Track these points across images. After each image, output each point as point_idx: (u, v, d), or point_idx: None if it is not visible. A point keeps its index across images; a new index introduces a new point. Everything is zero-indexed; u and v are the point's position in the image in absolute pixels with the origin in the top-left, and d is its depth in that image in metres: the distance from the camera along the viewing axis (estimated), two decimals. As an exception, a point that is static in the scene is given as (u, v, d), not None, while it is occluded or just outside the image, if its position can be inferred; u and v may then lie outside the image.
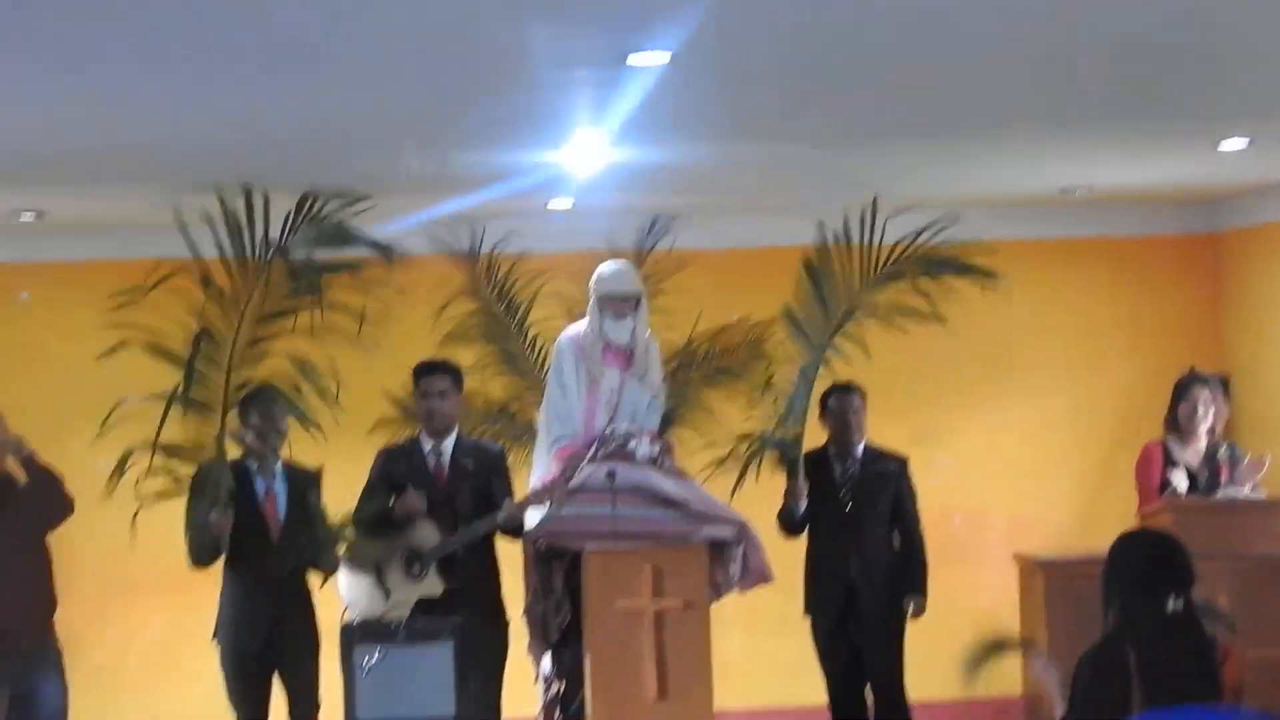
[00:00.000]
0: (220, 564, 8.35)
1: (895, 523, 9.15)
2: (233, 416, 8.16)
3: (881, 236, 8.57)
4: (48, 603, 8.24)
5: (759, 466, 8.83)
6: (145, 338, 7.98)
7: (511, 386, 9.99)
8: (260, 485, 8.37)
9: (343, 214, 8.02)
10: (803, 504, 9.02)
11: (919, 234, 8.53)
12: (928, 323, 8.65)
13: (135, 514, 7.77)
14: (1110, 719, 5.48)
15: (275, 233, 8.01)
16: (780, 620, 9.63)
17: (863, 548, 9.06)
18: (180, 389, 7.96)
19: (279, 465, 8.41)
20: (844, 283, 8.71)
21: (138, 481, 7.85)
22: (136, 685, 10.33)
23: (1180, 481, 8.99)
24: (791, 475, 8.93)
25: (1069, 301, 11.00)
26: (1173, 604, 5.60)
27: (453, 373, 8.65)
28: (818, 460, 9.17)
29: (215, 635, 8.41)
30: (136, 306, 7.79)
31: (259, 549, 8.29)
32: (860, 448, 9.22)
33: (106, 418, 7.76)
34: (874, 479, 9.15)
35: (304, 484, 8.36)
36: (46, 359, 10.39)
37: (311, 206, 8.03)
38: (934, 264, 8.61)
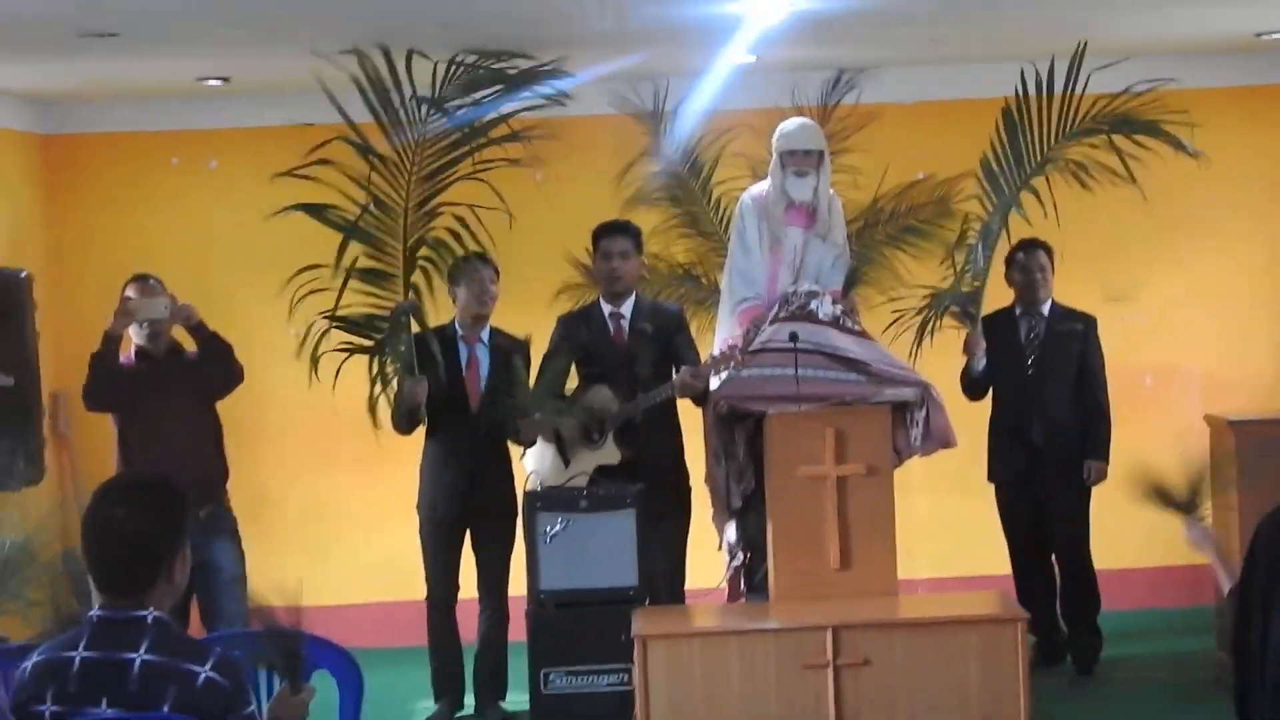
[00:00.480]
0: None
1: (1081, 384, 9.01)
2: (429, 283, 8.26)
3: (1084, 87, 8.39)
4: (220, 470, 8.34)
5: (938, 323, 8.71)
6: (318, 202, 8.09)
7: (695, 249, 9.93)
8: (464, 353, 8.41)
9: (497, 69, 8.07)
10: (981, 361, 8.91)
11: (1116, 96, 8.34)
12: (1120, 182, 8.48)
13: (330, 372, 7.91)
14: None
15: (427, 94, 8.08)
16: (965, 486, 9.55)
17: (1046, 409, 8.94)
18: (341, 257, 8.08)
19: (486, 333, 8.43)
20: (1039, 135, 8.55)
21: (316, 347, 7.97)
22: (337, 548, 10.41)
23: None
24: (970, 331, 8.81)
25: (1264, 150, 10.65)
26: None
27: (633, 233, 8.59)
28: (1003, 319, 9.07)
29: (418, 504, 8.51)
30: (311, 173, 7.84)
31: (458, 417, 8.35)
32: (1047, 306, 9.08)
33: (294, 298, 7.88)
34: (1059, 338, 9.01)
35: (509, 352, 8.36)
36: (235, 226, 10.45)
37: (463, 66, 8.09)
38: (1130, 124, 8.43)
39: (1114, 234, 10.10)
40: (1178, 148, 8.38)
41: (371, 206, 8.17)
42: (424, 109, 8.13)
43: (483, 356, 8.41)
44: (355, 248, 8.22)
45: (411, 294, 8.22)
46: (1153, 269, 10.58)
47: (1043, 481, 8.95)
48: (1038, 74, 8.44)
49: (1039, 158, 8.55)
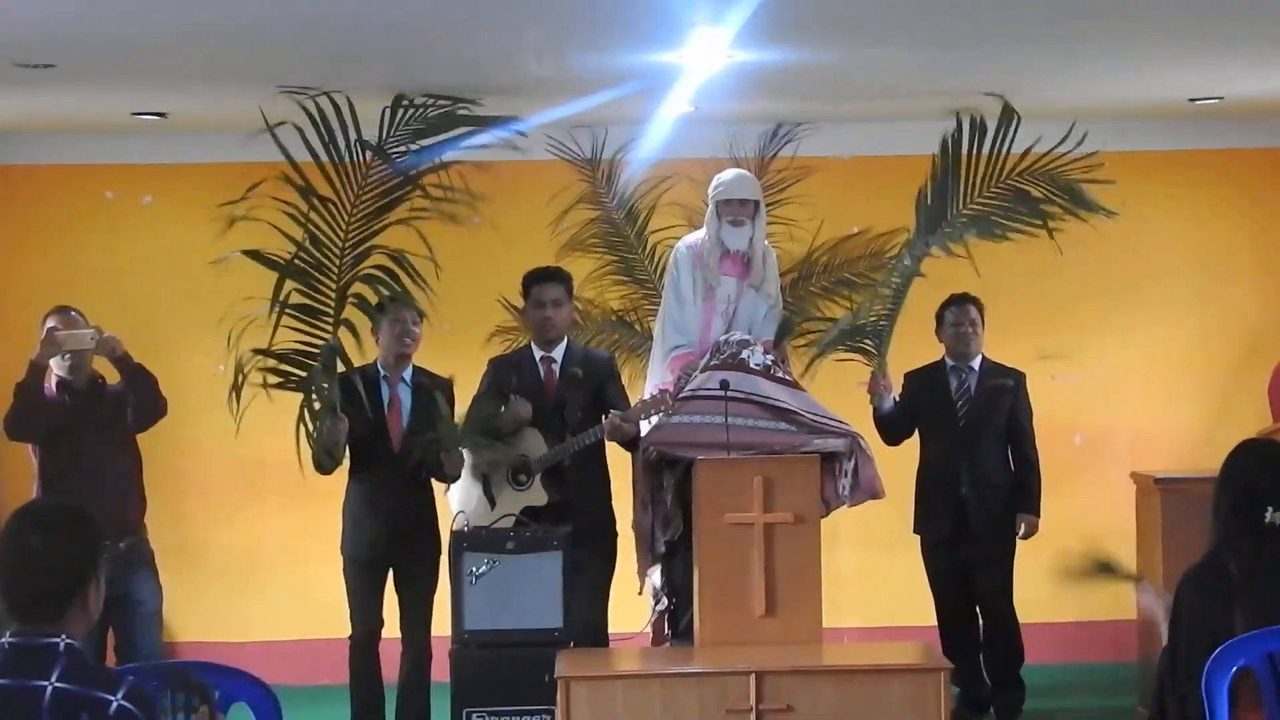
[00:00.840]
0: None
1: (1010, 439, 9.00)
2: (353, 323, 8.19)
3: (1008, 146, 8.45)
4: (138, 503, 8.26)
5: (826, 351, 8.73)
6: (254, 243, 8.05)
7: (629, 296, 9.97)
8: (386, 393, 8.37)
9: (441, 113, 8.09)
10: (887, 402, 8.89)
11: (1041, 155, 8.41)
12: (1052, 244, 8.50)
13: (256, 409, 7.81)
14: (1212, 638, 5.32)
15: (371, 135, 8.07)
16: (892, 538, 9.52)
17: (975, 463, 8.92)
18: (278, 294, 8.00)
19: (409, 373, 8.39)
20: (965, 188, 8.60)
21: (241, 379, 7.87)
22: (260, 585, 10.37)
23: None
24: (874, 370, 8.80)
25: (1196, 216, 10.74)
26: (1271, 516, 5.41)
27: (564, 280, 8.55)
28: (933, 372, 9.10)
29: (341, 545, 8.47)
30: (247, 212, 7.83)
31: (380, 457, 8.31)
32: (977, 361, 9.08)
33: (234, 335, 7.79)
34: (990, 393, 9.00)
35: (432, 392, 8.29)
36: (168, 262, 10.41)
37: (408, 109, 8.10)
38: (1052, 183, 8.48)
39: (1048, 294, 10.16)
40: (1093, 209, 8.39)
41: (307, 243, 8.10)
42: (366, 153, 8.10)
43: (405, 396, 8.35)
44: (289, 283, 8.15)
45: (337, 334, 8.12)
46: (1085, 330, 10.63)
47: (969, 533, 8.92)
48: (975, 123, 8.49)
49: (959, 208, 8.59)
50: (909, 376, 9.13)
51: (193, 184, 10.32)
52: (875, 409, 8.94)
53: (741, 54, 8.03)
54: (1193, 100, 9.80)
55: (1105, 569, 6.06)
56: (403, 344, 8.34)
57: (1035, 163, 8.49)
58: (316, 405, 8.01)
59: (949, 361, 9.09)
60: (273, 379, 8.00)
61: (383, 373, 8.38)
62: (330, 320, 8.09)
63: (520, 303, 8.86)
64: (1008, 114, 8.46)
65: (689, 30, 7.55)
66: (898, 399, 8.96)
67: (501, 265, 9.49)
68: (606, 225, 9.99)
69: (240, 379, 7.83)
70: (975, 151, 8.52)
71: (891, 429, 9.02)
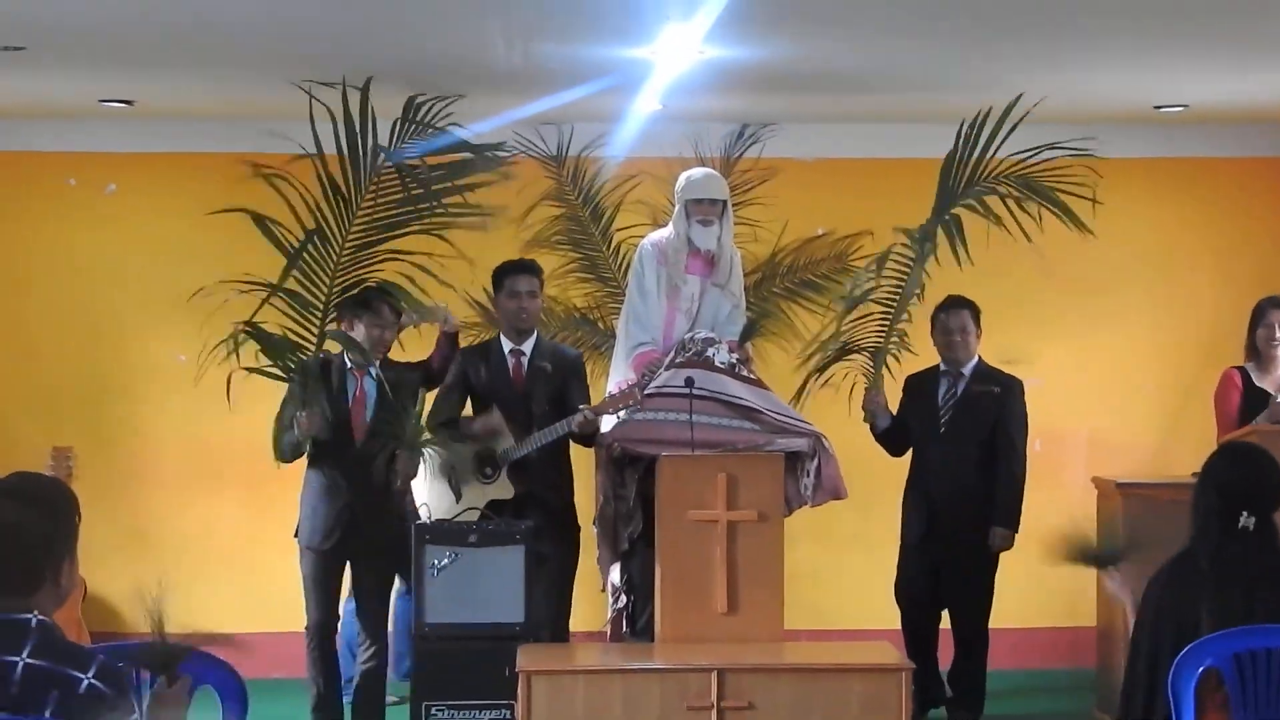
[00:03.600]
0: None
1: (994, 448, 8.85)
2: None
3: (983, 149, 8.47)
4: None
5: (827, 368, 8.79)
6: (229, 236, 8.00)
7: (593, 293, 9.98)
8: (352, 385, 8.30)
9: (445, 116, 8.03)
10: (883, 420, 8.89)
11: (1019, 160, 8.42)
12: (1016, 245, 8.51)
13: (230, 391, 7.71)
14: (1178, 633, 5.34)
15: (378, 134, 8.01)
16: (854, 538, 9.62)
17: (951, 467, 8.81)
18: (285, 275, 7.96)
19: (376, 367, 8.31)
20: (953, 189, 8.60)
21: (233, 352, 7.79)
22: (216, 572, 10.32)
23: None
24: (870, 387, 8.81)
25: (1157, 222, 10.78)
26: (1244, 520, 5.44)
27: (537, 272, 8.57)
28: (926, 377, 9.02)
29: (296, 533, 8.39)
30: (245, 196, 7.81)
31: (341, 449, 8.24)
32: (970, 366, 8.95)
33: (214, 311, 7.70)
34: (974, 399, 8.88)
35: (398, 385, 8.22)
36: (130, 250, 10.35)
37: (418, 111, 8.05)
38: (1031, 189, 8.48)
39: (1008, 296, 10.14)
40: (1070, 219, 8.40)
41: (316, 236, 8.04)
42: (380, 156, 8.06)
43: (371, 390, 8.30)
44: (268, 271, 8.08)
45: (324, 328, 8.09)
46: (1046, 332, 10.61)
47: (941, 542, 8.83)
48: (973, 126, 8.50)
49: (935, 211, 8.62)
50: (908, 380, 9.06)
51: (157, 173, 10.26)
52: (871, 428, 8.92)
53: (712, 50, 8.04)
54: (1158, 108, 9.84)
55: (1081, 551, 6.07)
56: (376, 348, 8.28)
57: (1014, 166, 8.50)
58: (305, 394, 7.98)
59: (942, 366, 9.00)
60: (262, 361, 7.92)
61: (349, 364, 8.31)
62: (319, 314, 8.05)
63: (485, 298, 8.83)
64: (984, 115, 8.44)
65: (661, 25, 7.56)
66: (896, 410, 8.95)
67: (466, 261, 9.42)
68: (571, 222, 10.00)
69: (235, 348, 7.73)
70: (969, 155, 8.52)
71: (892, 441, 8.99)
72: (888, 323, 8.70)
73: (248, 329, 7.86)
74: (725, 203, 8.50)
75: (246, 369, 7.77)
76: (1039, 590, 9.51)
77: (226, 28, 7.70)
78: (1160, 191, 10.78)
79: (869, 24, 7.77)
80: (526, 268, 8.54)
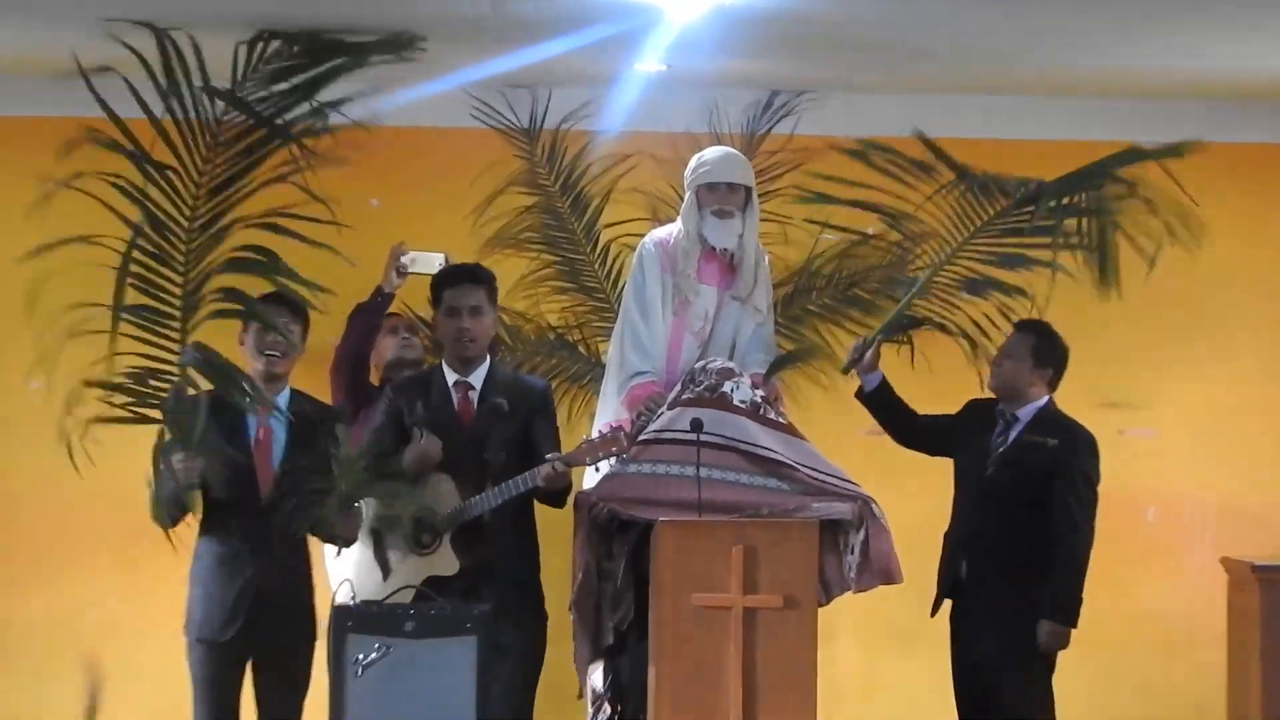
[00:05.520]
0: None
1: (1050, 517, 8.68)
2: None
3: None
4: None
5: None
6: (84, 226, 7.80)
7: (574, 308, 10.03)
8: (251, 424, 8.17)
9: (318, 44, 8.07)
10: (868, 377, 8.84)
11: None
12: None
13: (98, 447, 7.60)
14: None
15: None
16: (911, 634, 9.47)
17: (986, 530, 8.67)
18: (119, 296, 7.81)
19: (284, 398, 8.22)
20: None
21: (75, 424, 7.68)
22: (73, 673, 10.17)
23: None
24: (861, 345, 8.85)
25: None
26: None
27: (486, 283, 8.46)
28: (983, 410, 8.91)
29: (185, 624, 8.27)
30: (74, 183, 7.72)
31: (243, 507, 8.11)
32: (1028, 410, 8.82)
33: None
34: (1023, 452, 8.75)
35: (313, 424, 8.13)
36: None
37: (266, 47, 8.02)
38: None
39: (1109, 323, 9.99)
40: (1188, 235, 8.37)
41: (145, 227, 7.95)
42: (217, 105, 7.96)
43: (279, 430, 8.19)
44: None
45: (185, 342, 8.00)
46: (1160, 371, 10.63)
47: (972, 629, 8.73)
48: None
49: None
50: (970, 403, 9.01)
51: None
52: (859, 390, 8.92)
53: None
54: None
55: None
56: (270, 360, 8.14)
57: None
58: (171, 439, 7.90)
59: (1001, 404, 8.93)
60: (114, 409, 7.81)
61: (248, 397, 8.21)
62: (178, 327, 7.91)
63: (429, 312, 8.74)
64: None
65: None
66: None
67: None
68: (546, 216, 10.04)
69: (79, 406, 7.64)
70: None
71: (885, 415, 8.98)
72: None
73: (90, 385, 7.72)
74: (749, 190, 8.47)
75: (100, 420, 7.67)
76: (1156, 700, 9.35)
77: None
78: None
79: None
80: (470, 276, 8.46)
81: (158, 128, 7.90)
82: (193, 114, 7.93)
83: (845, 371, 8.92)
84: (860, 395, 8.92)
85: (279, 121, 8.05)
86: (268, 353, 8.13)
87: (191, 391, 7.96)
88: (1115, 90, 8.40)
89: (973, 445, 8.82)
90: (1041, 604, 8.63)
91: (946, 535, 8.92)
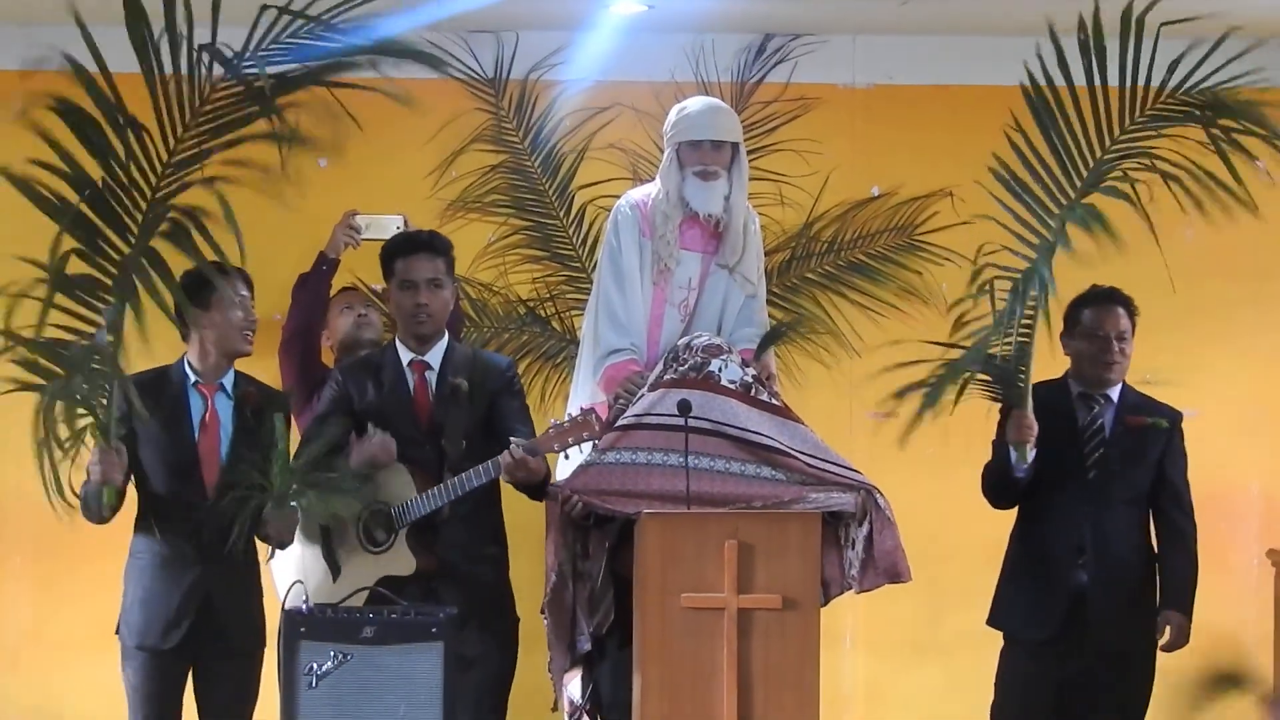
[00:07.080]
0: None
1: (1155, 504, 8.81)
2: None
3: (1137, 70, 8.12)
4: None
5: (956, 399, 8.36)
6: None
7: (545, 278, 10.11)
8: (196, 406, 8.29)
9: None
10: (1032, 452, 8.51)
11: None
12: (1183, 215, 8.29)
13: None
14: None
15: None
16: (921, 638, 9.67)
17: (1105, 535, 8.69)
18: (55, 252, 7.64)
19: (229, 378, 8.33)
20: (1086, 131, 8.27)
21: None
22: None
23: None
24: (1018, 409, 8.44)
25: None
26: None
27: (444, 252, 8.52)
28: (1054, 398, 8.80)
29: (118, 627, 8.37)
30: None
31: (185, 501, 8.21)
32: (1117, 390, 8.87)
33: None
34: (1134, 436, 8.79)
35: (262, 408, 8.21)
36: None
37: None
38: (1228, 110, 8.10)
39: (1145, 288, 10.07)
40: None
41: (102, 183, 7.73)
42: (211, 66, 7.72)
43: (225, 412, 8.31)
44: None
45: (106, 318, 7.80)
46: (1201, 344, 10.63)
47: (1088, 636, 8.66)
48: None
49: (1093, 160, 8.30)
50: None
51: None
52: (1000, 464, 8.64)
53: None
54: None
55: (1231, 683, 6.17)
56: (243, 338, 8.25)
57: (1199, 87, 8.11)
58: (78, 423, 7.76)
59: (1075, 386, 8.89)
60: (21, 376, 7.74)
61: (192, 378, 8.30)
62: (111, 294, 7.78)
63: (382, 283, 8.84)
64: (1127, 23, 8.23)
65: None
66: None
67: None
68: (514, 175, 10.14)
69: None
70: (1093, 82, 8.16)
71: (1013, 488, 8.75)
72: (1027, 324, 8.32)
73: (7, 338, 7.62)
74: (736, 146, 8.49)
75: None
76: (1196, 705, 9.54)
77: None
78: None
79: None
80: (425, 244, 8.50)
81: (152, 82, 7.65)
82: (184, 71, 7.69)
83: (1020, 466, 8.49)
84: (1008, 473, 8.54)
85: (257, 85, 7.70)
86: (245, 331, 8.22)
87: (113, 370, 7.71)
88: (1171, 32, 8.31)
89: (1053, 445, 8.61)
90: (1165, 594, 8.70)
91: (1024, 547, 8.80)
